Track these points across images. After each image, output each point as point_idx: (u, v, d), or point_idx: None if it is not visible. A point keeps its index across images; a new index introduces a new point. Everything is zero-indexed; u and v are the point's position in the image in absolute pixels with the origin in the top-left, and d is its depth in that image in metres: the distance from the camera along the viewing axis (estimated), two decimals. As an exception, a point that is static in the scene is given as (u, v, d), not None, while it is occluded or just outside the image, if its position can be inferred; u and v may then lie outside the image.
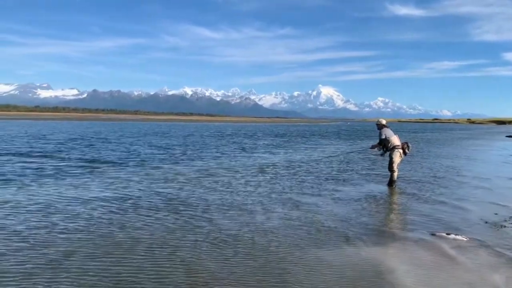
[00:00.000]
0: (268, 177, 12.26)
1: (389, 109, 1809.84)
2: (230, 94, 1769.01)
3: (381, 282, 4.65)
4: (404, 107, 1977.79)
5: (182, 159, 16.76)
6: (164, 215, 7.40)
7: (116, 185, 10.33)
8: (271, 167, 14.87)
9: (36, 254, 5.25)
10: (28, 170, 12.55)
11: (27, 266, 4.87)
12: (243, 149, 22.88)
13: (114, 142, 26.14)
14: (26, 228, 6.37)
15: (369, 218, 7.62)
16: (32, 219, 6.94)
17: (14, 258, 5.09)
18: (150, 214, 7.48)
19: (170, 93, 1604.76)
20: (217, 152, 20.49)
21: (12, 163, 14.16)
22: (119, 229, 6.46)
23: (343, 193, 10.01)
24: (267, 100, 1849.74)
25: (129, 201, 8.50)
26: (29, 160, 15.41)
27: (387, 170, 11.31)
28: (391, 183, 10.94)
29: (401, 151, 10.85)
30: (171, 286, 4.45)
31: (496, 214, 8.01)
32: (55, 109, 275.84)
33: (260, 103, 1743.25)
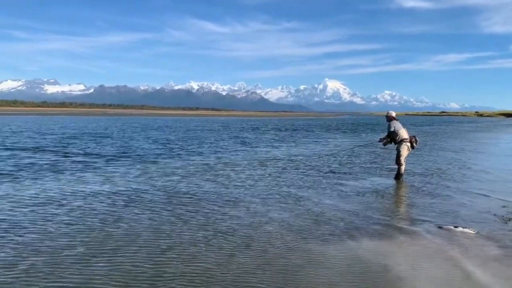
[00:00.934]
0: (272, 171, 12.24)
1: (396, 102, 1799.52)
2: (236, 88, 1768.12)
3: (387, 275, 4.61)
4: (412, 100, 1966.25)
5: (190, 152, 16.79)
6: (167, 209, 7.40)
7: (142, 178, 10.38)
8: (274, 161, 14.84)
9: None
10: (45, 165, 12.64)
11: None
12: (245, 143, 22.85)
13: (130, 137, 26.23)
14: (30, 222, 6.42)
15: (376, 211, 7.57)
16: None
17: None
18: (153, 207, 7.50)
19: (176, 87, 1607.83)
20: (220, 147, 20.49)
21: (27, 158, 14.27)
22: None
23: (349, 186, 9.96)
24: (273, 94, 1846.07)
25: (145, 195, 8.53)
26: (49, 154, 15.51)
27: (393, 163, 11.25)
28: (398, 176, 10.88)
29: (408, 144, 10.78)
30: (175, 280, 4.42)
31: (504, 207, 7.92)
32: (62, 104, 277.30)
33: (266, 97, 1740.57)
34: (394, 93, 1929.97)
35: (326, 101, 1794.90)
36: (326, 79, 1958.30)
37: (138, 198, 8.28)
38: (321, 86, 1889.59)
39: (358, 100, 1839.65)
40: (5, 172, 11.21)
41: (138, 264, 4.81)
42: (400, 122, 11.00)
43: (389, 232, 6.25)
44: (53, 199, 8.02)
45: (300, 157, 16.04)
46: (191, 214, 7.11)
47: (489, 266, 4.92)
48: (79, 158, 14.63)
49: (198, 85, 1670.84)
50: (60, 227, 6.19)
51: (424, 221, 6.89)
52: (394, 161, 11.06)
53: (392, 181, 10.78)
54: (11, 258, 4.92)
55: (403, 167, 10.87)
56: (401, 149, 10.69)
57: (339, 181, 10.65)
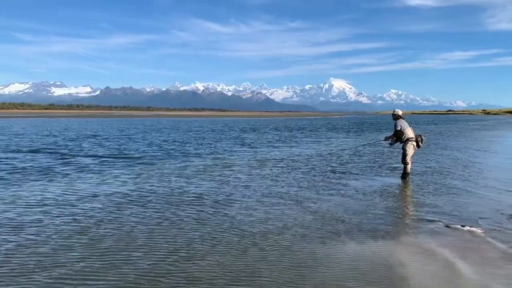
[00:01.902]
0: (275, 171, 12.21)
1: (402, 101, 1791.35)
2: (241, 88, 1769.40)
3: (394, 275, 4.60)
4: (418, 99, 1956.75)
5: (202, 152, 16.82)
6: (173, 209, 7.42)
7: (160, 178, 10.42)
8: (277, 161, 14.80)
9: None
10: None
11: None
12: (247, 144, 22.84)
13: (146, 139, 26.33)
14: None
15: (382, 210, 7.54)
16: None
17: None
18: (157, 207, 7.53)
19: (181, 88, 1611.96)
20: (221, 148, 20.51)
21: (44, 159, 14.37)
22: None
23: (355, 186, 9.93)
24: (279, 94, 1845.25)
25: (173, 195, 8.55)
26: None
27: (399, 162, 11.19)
28: (404, 175, 10.82)
29: (414, 143, 10.72)
30: (187, 278, 4.44)
31: (512, 205, 7.87)
32: (69, 106, 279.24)
33: (271, 97, 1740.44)
34: (400, 92, 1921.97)
35: (332, 100, 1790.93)
36: (332, 78, 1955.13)
37: (152, 198, 8.33)
38: (326, 86, 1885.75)
39: (364, 99, 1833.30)
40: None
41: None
42: (406, 121, 10.95)
43: (396, 232, 6.23)
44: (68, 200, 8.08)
45: (304, 157, 15.99)
46: (187, 214, 7.12)
47: (497, 265, 4.89)
48: (97, 160, 14.71)
49: (203, 86, 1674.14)
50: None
51: (431, 220, 6.85)
52: (400, 160, 11.00)
53: (398, 180, 10.72)
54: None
55: (409, 166, 10.81)
56: (407, 148, 10.64)
57: (343, 181, 10.60)
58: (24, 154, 16.55)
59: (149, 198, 8.37)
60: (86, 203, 7.90)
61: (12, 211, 7.25)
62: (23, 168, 12.60)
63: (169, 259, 5.01)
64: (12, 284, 4.34)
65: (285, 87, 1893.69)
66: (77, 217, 6.87)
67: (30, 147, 19.64)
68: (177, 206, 7.69)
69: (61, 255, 5.12)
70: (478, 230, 6.23)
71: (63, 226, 6.35)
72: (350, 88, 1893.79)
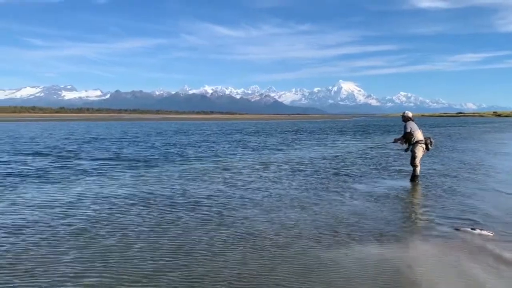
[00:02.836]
0: (283, 174, 12.21)
1: (411, 104, 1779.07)
2: (249, 92, 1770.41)
3: (402, 278, 4.56)
4: (427, 101, 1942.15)
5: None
6: (185, 212, 7.45)
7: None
8: (285, 164, 14.79)
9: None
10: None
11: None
12: (252, 148, 22.85)
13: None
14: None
15: (392, 213, 7.51)
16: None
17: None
18: (168, 210, 7.58)
19: (190, 92, 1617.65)
20: (227, 150, 20.54)
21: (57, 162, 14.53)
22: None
23: (363, 189, 9.88)
24: (287, 96, 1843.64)
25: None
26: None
27: (408, 165, 11.13)
28: (413, 178, 10.75)
29: (424, 146, 10.66)
30: (190, 278, 4.44)
31: (523, 208, 7.78)
32: (80, 110, 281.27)
33: (280, 100, 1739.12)
34: (409, 94, 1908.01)
35: (341, 103, 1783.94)
36: (340, 81, 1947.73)
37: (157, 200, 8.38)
38: (335, 88, 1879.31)
39: (373, 102, 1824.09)
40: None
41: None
42: (416, 123, 10.88)
43: (404, 235, 6.18)
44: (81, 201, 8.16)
45: (309, 160, 15.96)
46: (198, 216, 7.15)
47: (509, 268, 4.85)
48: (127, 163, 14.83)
49: (212, 89, 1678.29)
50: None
51: (440, 223, 6.80)
52: (409, 162, 10.94)
53: (407, 183, 10.66)
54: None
55: (418, 169, 10.75)
56: (416, 151, 10.57)
57: (350, 184, 10.57)
58: (23, 156, 16.75)
59: (149, 201, 8.43)
60: (82, 204, 7.99)
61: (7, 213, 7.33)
62: (19, 171, 12.71)
63: (189, 258, 5.01)
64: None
65: (293, 89, 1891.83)
66: (73, 220, 6.95)
67: (30, 150, 19.85)
68: (175, 208, 7.73)
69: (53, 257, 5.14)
70: (488, 233, 6.17)
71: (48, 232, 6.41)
72: (359, 91, 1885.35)
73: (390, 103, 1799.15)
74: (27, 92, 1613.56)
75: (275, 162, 15.23)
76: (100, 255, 5.21)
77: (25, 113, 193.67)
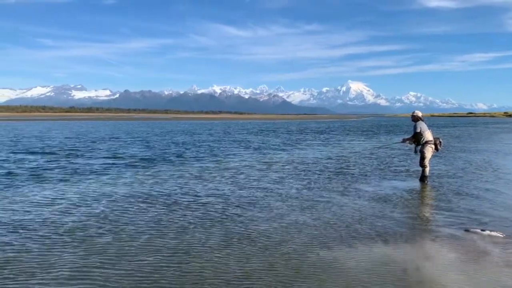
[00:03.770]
0: (290, 174, 12.18)
1: (421, 104, 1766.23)
2: (258, 91, 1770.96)
3: (410, 279, 4.51)
4: (437, 101, 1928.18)
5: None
6: (186, 211, 7.46)
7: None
8: (291, 164, 14.75)
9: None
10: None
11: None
12: (257, 148, 22.81)
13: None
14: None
15: (400, 214, 7.44)
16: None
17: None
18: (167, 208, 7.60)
19: (199, 92, 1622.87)
20: (231, 150, 20.53)
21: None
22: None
23: (371, 189, 9.82)
24: (296, 96, 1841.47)
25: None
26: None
27: (417, 165, 11.04)
28: (422, 178, 10.66)
29: (433, 146, 10.55)
30: (192, 279, 4.43)
31: (534, 210, 7.67)
32: (89, 109, 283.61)
33: (288, 100, 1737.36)
34: (419, 94, 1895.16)
35: (350, 103, 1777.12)
36: (349, 81, 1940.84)
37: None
38: (344, 88, 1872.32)
39: (382, 102, 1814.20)
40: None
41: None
42: (425, 123, 10.78)
43: (413, 236, 6.13)
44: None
45: (317, 160, 15.91)
46: (205, 216, 7.15)
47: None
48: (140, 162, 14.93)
49: (220, 89, 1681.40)
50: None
51: (450, 224, 6.73)
52: (418, 163, 10.85)
53: (416, 184, 10.57)
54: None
55: (427, 169, 10.65)
56: (425, 151, 10.47)
57: (358, 184, 10.50)
58: (22, 155, 16.93)
59: (149, 200, 8.45)
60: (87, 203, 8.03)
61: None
62: (13, 170, 12.79)
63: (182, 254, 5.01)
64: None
65: (302, 89, 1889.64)
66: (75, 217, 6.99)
67: (32, 148, 20.04)
68: (177, 207, 7.74)
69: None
70: (498, 234, 6.09)
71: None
72: (368, 91, 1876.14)
73: (399, 103, 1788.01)
74: (37, 91, 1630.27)
75: (277, 162, 15.20)
76: (97, 252, 5.23)
77: (35, 112, 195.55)
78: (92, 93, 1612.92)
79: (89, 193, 9.13)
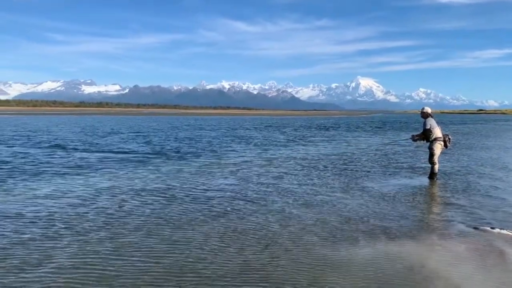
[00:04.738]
0: (298, 171, 12.15)
1: (431, 100, 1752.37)
2: (267, 87, 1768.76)
3: (418, 277, 4.47)
4: (448, 98, 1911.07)
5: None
6: (194, 207, 7.47)
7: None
8: (299, 160, 14.70)
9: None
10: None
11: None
12: (261, 144, 22.77)
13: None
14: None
15: (409, 211, 7.38)
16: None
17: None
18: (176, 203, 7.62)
19: (208, 87, 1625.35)
20: (234, 146, 20.51)
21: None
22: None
23: (380, 186, 9.75)
24: (304, 92, 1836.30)
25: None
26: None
27: (425, 162, 10.94)
28: (432, 175, 10.56)
29: (442, 143, 10.44)
30: (191, 274, 4.43)
31: (546, 208, 7.56)
32: (99, 104, 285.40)
33: (297, 95, 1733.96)
34: (429, 91, 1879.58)
35: (359, 99, 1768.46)
36: (359, 77, 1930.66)
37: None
38: (353, 84, 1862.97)
39: (392, 98, 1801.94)
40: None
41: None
42: (435, 120, 10.66)
43: (422, 233, 6.07)
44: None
45: (325, 156, 15.85)
46: (207, 210, 7.15)
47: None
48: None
49: (229, 85, 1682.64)
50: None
51: (459, 221, 6.66)
52: (427, 160, 10.75)
53: (424, 181, 10.48)
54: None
55: (436, 166, 10.54)
56: (434, 148, 10.36)
57: (366, 181, 10.42)
58: (25, 148, 17.07)
59: (149, 196, 8.48)
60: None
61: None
62: (14, 163, 12.95)
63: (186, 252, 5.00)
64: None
65: (311, 85, 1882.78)
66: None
67: (38, 142, 20.21)
68: (182, 201, 7.75)
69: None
70: (508, 233, 6.03)
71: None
72: (378, 87, 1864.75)
73: (409, 100, 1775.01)
74: (48, 86, 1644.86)
75: (281, 158, 15.18)
76: (94, 247, 5.24)
77: (45, 107, 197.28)
78: (102, 88, 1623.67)
79: (94, 186, 9.20)
